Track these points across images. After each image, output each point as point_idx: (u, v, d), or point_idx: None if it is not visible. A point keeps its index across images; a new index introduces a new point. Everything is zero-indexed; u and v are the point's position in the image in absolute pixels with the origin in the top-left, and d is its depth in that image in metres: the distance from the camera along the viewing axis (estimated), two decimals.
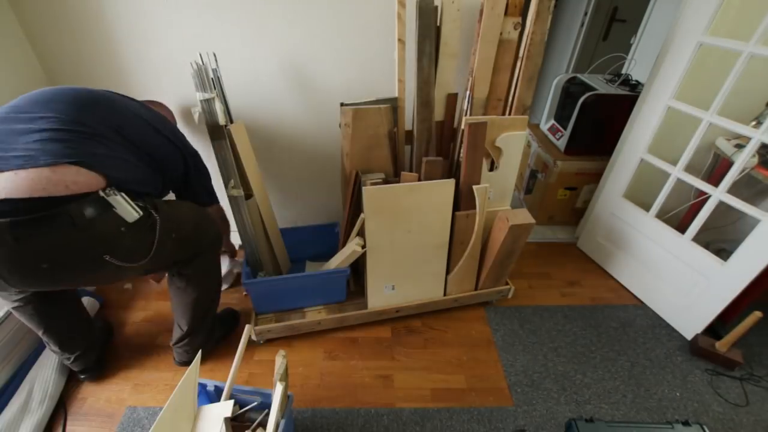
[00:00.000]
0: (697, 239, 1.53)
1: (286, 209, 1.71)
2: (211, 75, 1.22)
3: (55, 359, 1.38)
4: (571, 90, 2.05)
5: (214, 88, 1.23)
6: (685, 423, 1.08)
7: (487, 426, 1.29)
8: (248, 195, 1.42)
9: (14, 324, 1.39)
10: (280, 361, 1.02)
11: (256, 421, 1.11)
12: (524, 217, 1.40)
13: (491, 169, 1.41)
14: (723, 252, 1.54)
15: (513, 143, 1.38)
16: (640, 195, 1.76)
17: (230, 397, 1.09)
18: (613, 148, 1.81)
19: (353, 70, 1.50)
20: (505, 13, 1.23)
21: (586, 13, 2.75)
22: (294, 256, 1.75)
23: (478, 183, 1.38)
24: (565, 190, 2.12)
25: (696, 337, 1.53)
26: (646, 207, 1.69)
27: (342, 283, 1.55)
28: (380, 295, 1.54)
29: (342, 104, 1.31)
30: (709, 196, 1.45)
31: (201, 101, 1.21)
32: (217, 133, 1.28)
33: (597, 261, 1.99)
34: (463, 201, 1.41)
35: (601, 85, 1.99)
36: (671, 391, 1.41)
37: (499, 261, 1.51)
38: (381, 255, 1.43)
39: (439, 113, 1.40)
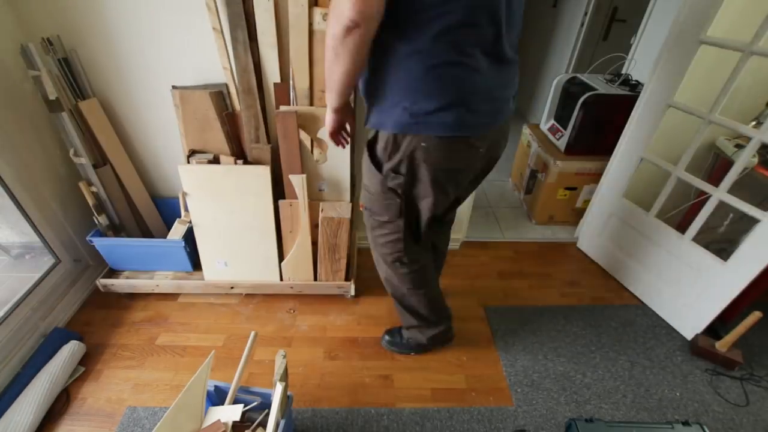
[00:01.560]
0: (697, 239, 1.54)
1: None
2: (54, 56, 1.33)
3: (67, 356, 1.39)
4: (571, 90, 2.05)
5: (42, 67, 1.29)
6: (685, 423, 1.08)
7: (487, 426, 1.29)
8: (99, 164, 1.53)
9: (18, 320, 1.40)
10: (279, 361, 1.03)
11: (256, 422, 1.11)
12: (341, 211, 1.46)
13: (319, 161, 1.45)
14: (723, 252, 1.54)
15: None
16: (640, 195, 1.76)
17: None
18: (613, 148, 1.81)
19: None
20: (316, 3, 1.22)
21: (586, 13, 2.75)
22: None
23: (298, 172, 1.42)
24: (565, 190, 2.12)
25: (696, 337, 1.53)
26: (646, 207, 1.69)
27: (180, 254, 1.63)
28: (214, 269, 1.63)
29: (173, 87, 1.41)
30: (709, 196, 1.45)
31: (32, 77, 1.31)
32: (52, 106, 1.36)
33: (597, 261, 1.99)
34: (288, 190, 1.45)
35: (601, 85, 1.99)
36: (671, 391, 1.41)
37: (326, 254, 1.56)
38: (206, 230, 1.54)
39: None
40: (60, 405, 1.32)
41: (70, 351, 1.41)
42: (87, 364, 1.45)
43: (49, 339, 1.46)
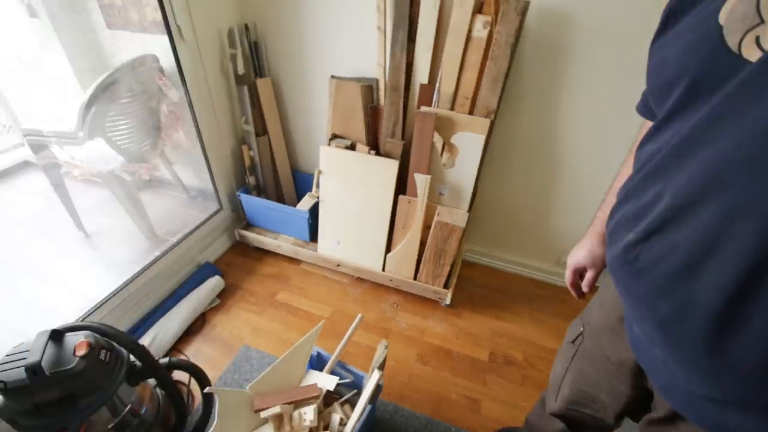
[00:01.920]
0: None
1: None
2: (248, 39, 1.59)
3: (211, 287, 1.66)
4: None
5: (239, 47, 1.57)
6: None
7: None
8: (260, 133, 1.78)
9: (184, 249, 1.72)
10: (381, 350, 1.06)
11: (344, 397, 1.17)
12: (456, 218, 1.38)
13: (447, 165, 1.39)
14: None
15: (470, 144, 1.38)
16: None
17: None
18: None
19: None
20: (480, 11, 1.20)
21: None
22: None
23: (424, 173, 1.43)
24: None
25: None
26: None
27: (302, 224, 1.80)
28: (328, 245, 1.76)
29: (332, 76, 1.55)
30: None
31: (230, 54, 1.58)
32: (239, 80, 1.64)
33: None
34: (410, 187, 1.48)
35: None
36: None
37: (432, 257, 1.57)
38: (330, 206, 1.67)
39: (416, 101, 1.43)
40: (197, 325, 1.59)
41: (213, 283, 1.69)
42: (223, 298, 1.71)
43: (201, 269, 1.77)
